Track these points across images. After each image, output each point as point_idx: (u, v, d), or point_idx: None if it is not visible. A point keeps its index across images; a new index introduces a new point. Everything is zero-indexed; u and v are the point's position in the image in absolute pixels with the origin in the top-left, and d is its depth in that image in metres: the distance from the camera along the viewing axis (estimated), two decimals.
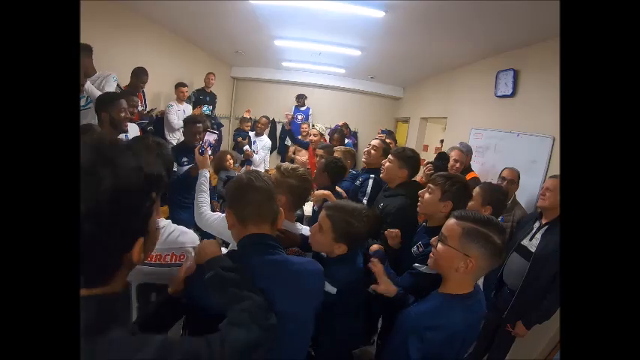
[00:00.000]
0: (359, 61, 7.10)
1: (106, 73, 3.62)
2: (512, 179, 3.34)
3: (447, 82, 6.79)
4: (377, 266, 1.78)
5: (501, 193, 2.72)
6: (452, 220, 1.48)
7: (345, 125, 7.87)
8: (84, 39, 3.91)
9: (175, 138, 5.46)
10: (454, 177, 2.11)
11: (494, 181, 3.39)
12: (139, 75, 4.58)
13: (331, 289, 1.62)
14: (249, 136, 6.81)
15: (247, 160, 6.37)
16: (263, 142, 6.91)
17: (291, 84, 9.69)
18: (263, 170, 6.59)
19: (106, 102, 2.73)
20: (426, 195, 2.05)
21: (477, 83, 5.50)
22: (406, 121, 9.34)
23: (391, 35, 5.05)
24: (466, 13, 3.73)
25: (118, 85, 3.80)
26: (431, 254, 1.55)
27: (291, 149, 7.48)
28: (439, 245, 1.48)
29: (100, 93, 3.17)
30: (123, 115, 2.75)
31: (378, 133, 7.19)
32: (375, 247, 2.04)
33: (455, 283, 1.46)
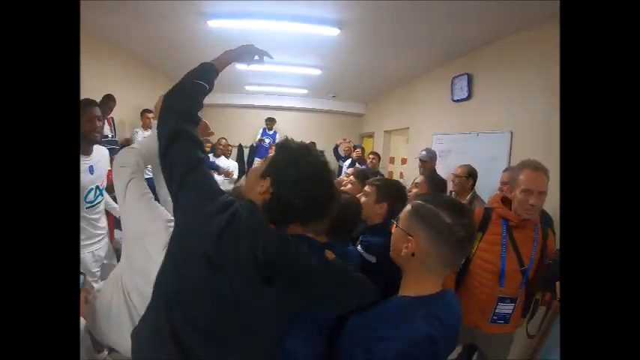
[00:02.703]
0: (320, 80, 7.29)
1: None
2: (462, 175, 3.52)
3: (406, 94, 7.06)
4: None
5: (442, 182, 3.01)
6: (409, 205, 1.27)
7: (313, 144, 8.00)
8: None
9: None
10: (389, 180, 2.35)
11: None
12: (107, 102, 4.70)
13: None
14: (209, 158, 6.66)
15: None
16: (223, 164, 6.71)
17: (255, 107, 9.83)
18: None
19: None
20: (362, 198, 2.11)
21: (434, 91, 5.75)
22: (371, 135, 9.56)
23: (348, 52, 5.24)
24: (416, 24, 3.93)
25: None
26: None
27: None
28: (392, 228, 1.31)
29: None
30: (92, 124, 2.36)
31: (345, 141, 7.38)
32: None
33: (412, 279, 1.21)
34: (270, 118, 9.33)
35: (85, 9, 3.86)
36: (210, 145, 6.88)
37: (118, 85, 5.40)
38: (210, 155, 6.73)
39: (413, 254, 1.15)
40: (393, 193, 2.13)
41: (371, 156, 6.28)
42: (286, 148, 1.20)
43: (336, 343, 1.26)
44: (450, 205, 1.18)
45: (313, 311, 1.30)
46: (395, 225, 1.27)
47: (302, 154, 1.16)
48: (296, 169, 1.12)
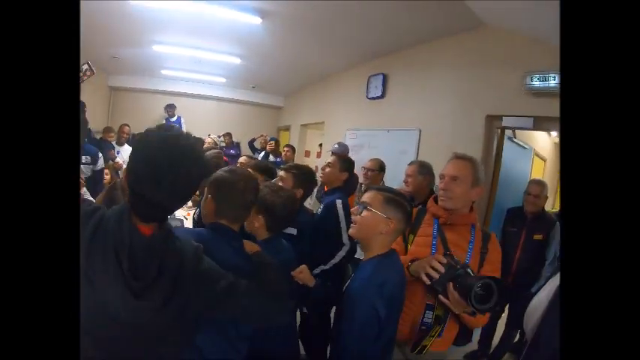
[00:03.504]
0: (240, 69, 7.27)
1: None
2: (372, 168, 3.73)
3: (323, 89, 7.30)
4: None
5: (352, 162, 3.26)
6: (372, 192, 1.70)
7: (228, 135, 7.98)
8: None
9: None
10: (303, 167, 2.70)
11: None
12: None
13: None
14: (114, 147, 6.33)
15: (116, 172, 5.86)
16: (126, 152, 6.32)
17: (170, 94, 9.42)
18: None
19: None
20: (279, 183, 2.34)
21: (351, 88, 6.06)
22: (287, 129, 9.67)
23: (269, 43, 5.32)
24: (338, 22, 4.14)
25: None
26: (353, 224, 1.71)
27: None
28: (364, 212, 1.64)
29: None
30: None
31: (262, 137, 7.42)
32: None
33: (377, 245, 1.64)
34: (169, 104, 8.99)
35: None
36: (112, 134, 6.45)
37: None
38: (114, 143, 6.38)
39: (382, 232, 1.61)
40: (307, 179, 2.46)
41: (286, 148, 6.40)
42: (141, 141, 1.09)
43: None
44: (406, 198, 1.76)
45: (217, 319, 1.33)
46: (365, 210, 1.64)
47: (158, 146, 1.04)
48: (149, 165, 1.03)
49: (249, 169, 2.19)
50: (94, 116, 6.57)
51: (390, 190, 1.77)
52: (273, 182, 2.34)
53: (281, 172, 2.54)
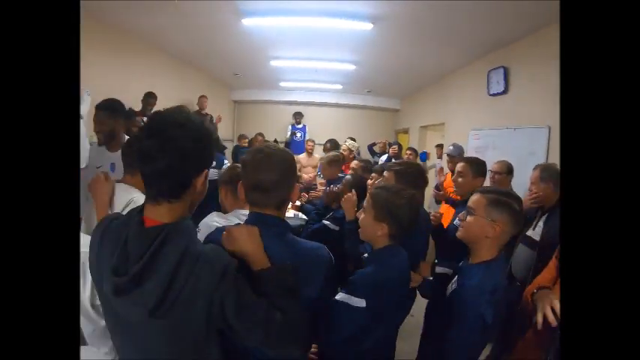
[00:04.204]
0: (354, 75, 7.30)
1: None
2: (499, 171, 3.40)
3: (442, 89, 6.95)
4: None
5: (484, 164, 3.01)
6: (477, 195, 1.66)
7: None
8: (97, 68, 4.25)
9: None
10: (408, 163, 2.67)
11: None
12: (148, 99, 5.07)
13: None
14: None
15: None
16: None
17: (289, 103, 9.93)
18: None
19: (127, 114, 2.94)
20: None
21: (470, 85, 5.66)
22: (406, 131, 9.48)
23: (382, 47, 5.23)
24: (450, 18, 3.88)
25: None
26: (460, 227, 1.70)
27: (297, 167, 7.55)
28: (468, 217, 1.64)
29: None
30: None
31: (382, 143, 7.35)
32: None
33: (485, 250, 1.60)
34: (297, 112, 9.52)
35: (124, 9, 4.05)
36: (246, 140, 7.11)
37: (159, 83, 5.65)
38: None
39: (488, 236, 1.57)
40: (415, 176, 2.35)
41: (408, 152, 6.36)
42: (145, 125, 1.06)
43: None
44: (514, 197, 1.64)
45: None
46: (469, 215, 1.63)
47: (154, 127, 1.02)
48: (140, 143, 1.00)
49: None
50: (221, 127, 7.19)
51: (495, 190, 1.70)
52: (391, 184, 2.17)
53: (385, 173, 2.42)
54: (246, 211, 1.31)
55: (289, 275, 1.11)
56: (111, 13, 4.27)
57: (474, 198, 1.67)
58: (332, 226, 2.73)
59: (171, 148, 0.97)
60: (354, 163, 3.84)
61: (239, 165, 1.63)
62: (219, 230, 1.26)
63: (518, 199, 1.66)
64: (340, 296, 1.56)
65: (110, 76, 4.66)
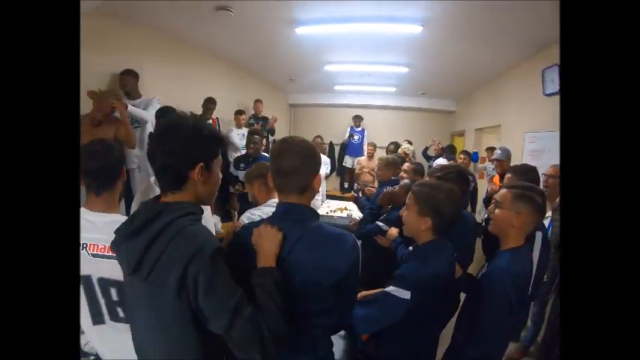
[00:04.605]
0: (408, 77, 7.31)
1: (151, 97, 4.15)
2: (554, 174, 3.27)
3: (496, 90, 6.80)
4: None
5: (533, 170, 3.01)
6: (504, 190, 1.88)
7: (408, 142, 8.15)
8: (161, 77, 4.65)
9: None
10: (448, 167, 2.75)
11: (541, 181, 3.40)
12: (208, 104, 5.43)
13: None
14: None
15: None
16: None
17: (344, 106, 10.09)
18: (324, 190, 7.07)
19: None
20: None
21: (524, 85, 5.49)
22: (462, 134, 9.29)
23: (433, 49, 5.25)
24: (500, 16, 3.83)
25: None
26: (490, 221, 1.92)
27: (358, 168, 7.74)
28: (496, 211, 1.85)
29: (145, 114, 3.85)
30: None
31: (436, 145, 7.29)
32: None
33: (512, 238, 1.80)
34: (356, 115, 9.57)
35: (185, 22, 4.34)
36: None
37: (217, 88, 5.99)
38: None
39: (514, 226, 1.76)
40: (456, 179, 2.39)
41: (462, 156, 6.37)
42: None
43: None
44: (536, 190, 1.85)
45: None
46: (498, 208, 1.85)
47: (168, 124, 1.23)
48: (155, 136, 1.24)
49: None
50: (277, 129, 7.43)
51: (520, 185, 1.91)
52: (430, 180, 2.21)
53: (427, 178, 2.55)
54: (277, 200, 1.42)
55: (283, 283, 1.18)
56: (173, 25, 4.65)
57: (501, 193, 1.88)
58: (385, 228, 2.76)
59: (163, 149, 1.16)
60: (405, 166, 3.91)
61: (266, 164, 1.76)
62: (258, 222, 1.39)
63: (541, 192, 1.87)
64: (388, 289, 1.66)
65: (173, 83, 5.10)
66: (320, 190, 6.96)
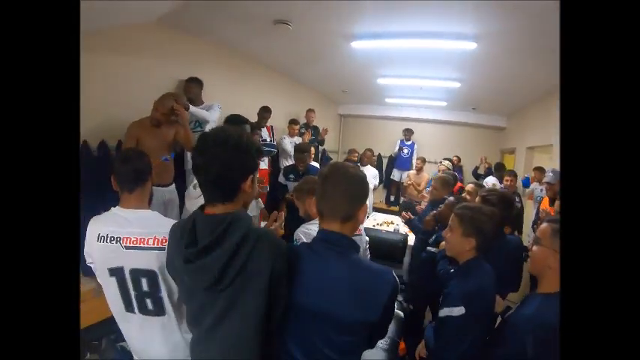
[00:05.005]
0: (459, 92, 7.32)
1: (212, 102, 4.31)
2: None
3: (548, 107, 6.60)
4: None
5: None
6: (545, 224, 1.62)
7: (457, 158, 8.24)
8: (219, 87, 4.92)
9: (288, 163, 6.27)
10: (493, 192, 2.78)
11: None
12: (263, 113, 5.68)
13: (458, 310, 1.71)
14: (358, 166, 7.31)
15: None
16: (369, 173, 7.37)
17: (394, 119, 10.18)
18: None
19: (251, 127, 3.54)
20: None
21: None
22: (512, 152, 9.02)
23: (486, 64, 5.28)
24: (554, 33, 3.83)
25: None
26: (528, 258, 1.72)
27: (406, 181, 7.77)
28: (534, 247, 1.62)
29: (207, 114, 3.98)
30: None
31: (483, 162, 7.23)
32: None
33: (546, 281, 1.56)
34: (407, 129, 9.59)
35: (243, 33, 4.65)
36: (356, 154, 7.48)
37: (272, 99, 6.26)
38: (358, 164, 7.38)
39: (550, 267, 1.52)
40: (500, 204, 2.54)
41: (508, 177, 6.03)
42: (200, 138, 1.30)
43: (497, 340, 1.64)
44: None
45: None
46: (536, 245, 1.60)
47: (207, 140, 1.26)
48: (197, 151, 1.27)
49: None
50: (327, 139, 7.67)
51: (555, 219, 1.64)
52: (472, 203, 2.34)
53: (477, 199, 2.62)
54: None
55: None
56: (232, 38, 4.92)
57: (542, 227, 1.63)
58: (436, 251, 2.83)
59: (217, 163, 1.22)
60: (469, 187, 4.01)
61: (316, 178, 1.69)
62: (300, 247, 1.47)
63: None
64: (442, 313, 1.74)
65: (231, 93, 5.44)
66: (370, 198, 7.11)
